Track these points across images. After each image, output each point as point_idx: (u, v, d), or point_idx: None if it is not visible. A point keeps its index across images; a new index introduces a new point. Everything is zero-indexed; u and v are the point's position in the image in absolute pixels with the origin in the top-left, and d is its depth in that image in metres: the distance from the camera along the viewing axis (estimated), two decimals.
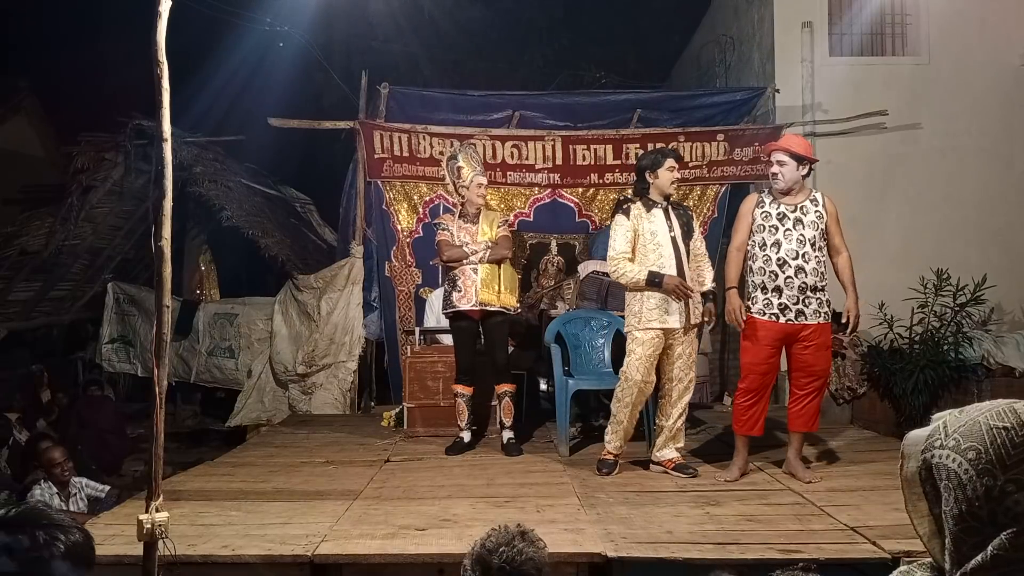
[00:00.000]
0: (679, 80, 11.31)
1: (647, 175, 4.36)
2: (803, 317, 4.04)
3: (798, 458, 4.23)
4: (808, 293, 4.03)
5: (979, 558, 0.80)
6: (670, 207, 4.38)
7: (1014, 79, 7.37)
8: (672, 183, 4.37)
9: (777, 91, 7.22)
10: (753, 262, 4.14)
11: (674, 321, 4.19)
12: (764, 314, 4.08)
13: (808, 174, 4.19)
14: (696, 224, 4.52)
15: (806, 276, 4.02)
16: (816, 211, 4.08)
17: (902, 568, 0.98)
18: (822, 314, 4.07)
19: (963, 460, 0.83)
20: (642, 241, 4.27)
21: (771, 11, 7.48)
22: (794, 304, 4.03)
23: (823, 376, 4.19)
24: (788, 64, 7.32)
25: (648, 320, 4.20)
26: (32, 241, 7.96)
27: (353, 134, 6.97)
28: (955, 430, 0.86)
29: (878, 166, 7.31)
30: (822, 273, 4.07)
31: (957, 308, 6.25)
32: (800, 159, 4.09)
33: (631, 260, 4.25)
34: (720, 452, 4.75)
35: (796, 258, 4.02)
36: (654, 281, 4.16)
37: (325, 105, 10.28)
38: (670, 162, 4.33)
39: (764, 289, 4.08)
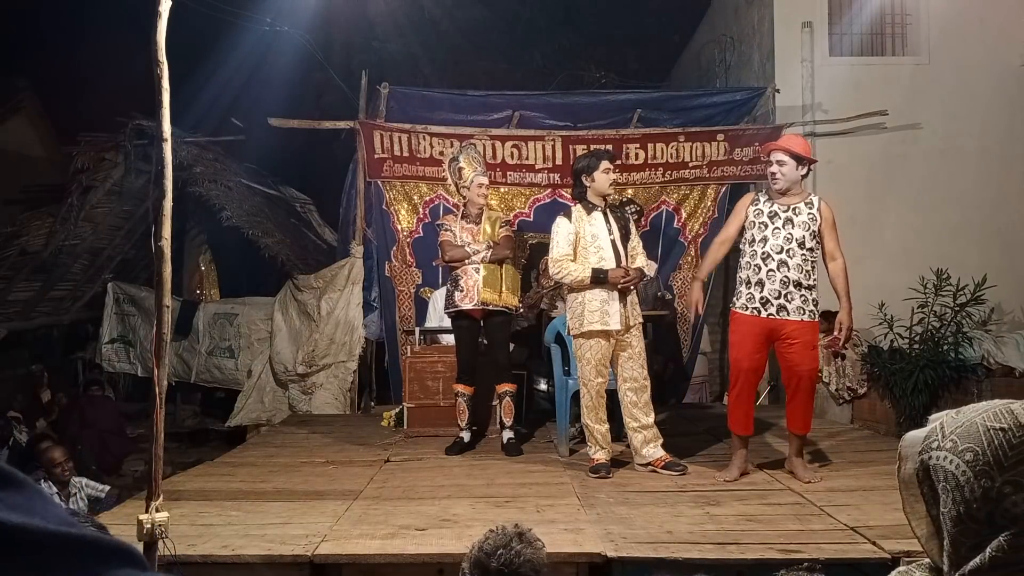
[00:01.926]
0: (679, 80, 11.31)
1: (583, 178, 4.40)
2: (785, 312, 4.03)
3: (798, 458, 4.23)
4: (791, 288, 4.02)
5: (977, 560, 0.80)
6: (608, 210, 4.44)
7: (1014, 79, 7.36)
8: (609, 184, 4.42)
9: (777, 91, 7.21)
10: (741, 258, 4.20)
11: (615, 323, 4.24)
12: (747, 309, 4.11)
13: (807, 174, 4.20)
14: (633, 226, 4.59)
15: (788, 271, 4.02)
16: (810, 213, 4.07)
17: (900, 569, 0.98)
18: (807, 311, 4.04)
19: (960, 462, 0.83)
20: (583, 244, 4.32)
21: (771, 11, 7.48)
22: (776, 298, 4.03)
23: (810, 375, 4.14)
24: (788, 64, 7.32)
25: (590, 323, 4.25)
26: (32, 241, 7.95)
27: (353, 134, 6.97)
28: (952, 431, 0.86)
29: (878, 166, 7.31)
30: (808, 272, 4.05)
31: (957, 308, 6.25)
32: (800, 159, 4.09)
33: (573, 262, 4.32)
34: (720, 452, 4.75)
35: (780, 252, 4.04)
36: (599, 277, 4.23)
37: (325, 105, 10.28)
38: (605, 164, 4.37)
39: (748, 283, 4.12)
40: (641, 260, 4.50)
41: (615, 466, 4.46)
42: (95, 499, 5.09)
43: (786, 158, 4.09)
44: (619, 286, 4.26)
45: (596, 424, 4.39)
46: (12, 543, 0.48)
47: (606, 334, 4.28)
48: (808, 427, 4.23)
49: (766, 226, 4.09)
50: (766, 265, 4.06)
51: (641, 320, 4.45)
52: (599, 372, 4.33)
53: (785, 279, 4.02)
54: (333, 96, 9.82)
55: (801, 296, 4.03)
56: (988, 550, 0.80)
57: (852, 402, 6.51)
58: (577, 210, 4.41)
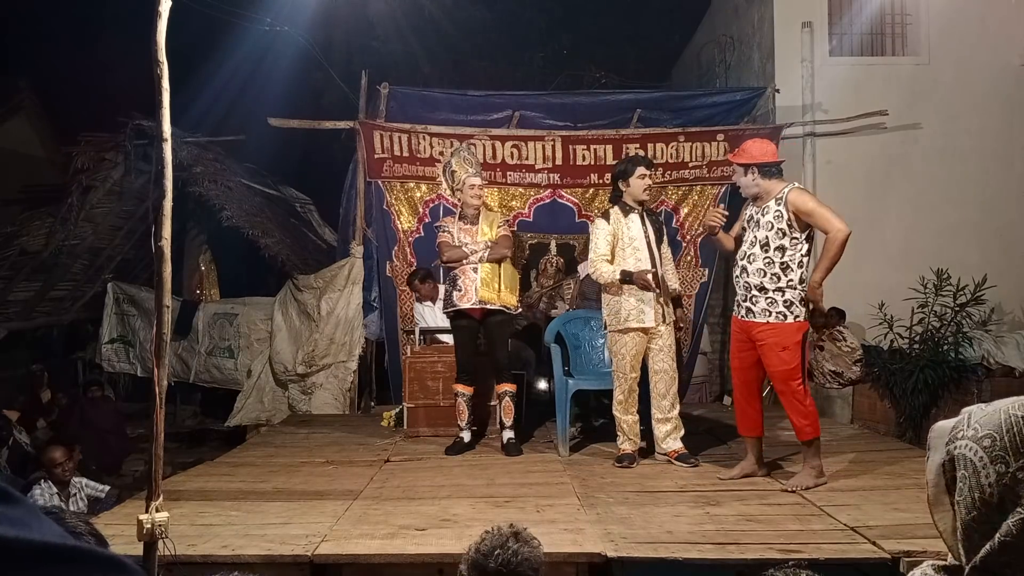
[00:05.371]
0: (679, 80, 11.32)
1: (620, 183, 4.61)
2: (751, 315, 4.04)
3: (804, 465, 4.05)
4: (754, 292, 4.02)
5: (988, 546, 0.80)
6: (644, 213, 4.62)
7: (1014, 79, 7.37)
8: (644, 190, 4.58)
9: (777, 91, 7.21)
10: None
11: (650, 320, 4.49)
12: (732, 309, 4.27)
13: (765, 176, 3.99)
14: (664, 231, 4.82)
15: (749, 276, 4.04)
16: (776, 211, 3.94)
17: (923, 566, 0.97)
18: (772, 314, 3.95)
19: (978, 448, 0.83)
20: (621, 244, 4.52)
21: (771, 11, 7.48)
22: (743, 301, 4.11)
23: (780, 377, 3.96)
24: (788, 64, 7.32)
25: (627, 320, 4.48)
26: (32, 241, 7.95)
27: (353, 134, 6.97)
28: (977, 420, 0.86)
29: (878, 166, 7.31)
30: (775, 274, 3.93)
31: (957, 308, 6.25)
32: (745, 167, 4.03)
33: (610, 262, 4.53)
34: (720, 452, 4.77)
35: (743, 259, 4.09)
36: (627, 279, 4.44)
37: (325, 105, 10.28)
38: (641, 170, 4.56)
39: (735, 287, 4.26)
40: (671, 272, 4.71)
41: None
42: (95, 499, 5.07)
43: (736, 166, 4.12)
44: (641, 287, 4.42)
45: (624, 415, 4.61)
46: (10, 556, 0.48)
47: (643, 330, 4.49)
48: (801, 434, 4.00)
49: (745, 231, 4.15)
50: (734, 271, 4.19)
51: (674, 317, 4.65)
52: (633, 367, 4.55)
53: (746, 284, 4.05)
54: (333, 96, 9.80)
55: (767, 299, 3.95)
56: (997, 536, 0.80)
57: (854, 385, 6.52)
58: (615, 212, 4.60)
